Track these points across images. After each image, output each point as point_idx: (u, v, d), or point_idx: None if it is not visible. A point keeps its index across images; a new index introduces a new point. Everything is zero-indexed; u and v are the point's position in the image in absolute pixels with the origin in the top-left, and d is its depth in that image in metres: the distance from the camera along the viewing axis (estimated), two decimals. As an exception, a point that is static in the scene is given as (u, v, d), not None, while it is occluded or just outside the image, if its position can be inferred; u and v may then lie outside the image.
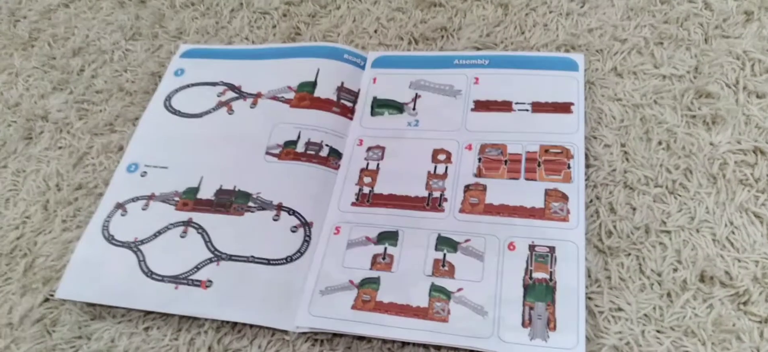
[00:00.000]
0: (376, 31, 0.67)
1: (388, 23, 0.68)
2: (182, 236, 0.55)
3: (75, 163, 0.63)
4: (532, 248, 0.49)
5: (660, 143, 0.54)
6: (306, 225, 0.54)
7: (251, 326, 0.50)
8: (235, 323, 0.50)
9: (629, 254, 0.49)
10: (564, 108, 0.56)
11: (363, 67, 0.64)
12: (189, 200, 0.57)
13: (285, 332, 0.49)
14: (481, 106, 0.58)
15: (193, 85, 0.66)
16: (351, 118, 0.61)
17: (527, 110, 0.57)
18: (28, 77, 0.71)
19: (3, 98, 0.69)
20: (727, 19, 0.61)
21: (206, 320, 0.51)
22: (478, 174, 0.54)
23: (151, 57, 0.70)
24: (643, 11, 0.63)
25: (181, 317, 0.51)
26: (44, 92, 0.69)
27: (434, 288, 0.49)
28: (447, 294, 0.48)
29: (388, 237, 0.52)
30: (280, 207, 0.55)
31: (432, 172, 0.55)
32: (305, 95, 0.62)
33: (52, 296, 0.54)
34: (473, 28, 0.65)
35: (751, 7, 0.61)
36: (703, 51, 0.59)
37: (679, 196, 0.51)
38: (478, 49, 0.64)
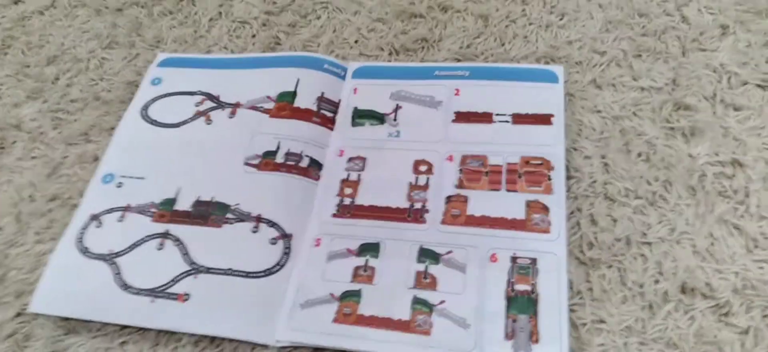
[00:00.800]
0: (356, 42, 0.67)
1: (368, 34, 0.67)
2: (159, 249, 0.54)
3: (49, 173, 0.61)
4: (513, 259, 0.49)
5: (640, 155, 0.55)
6: (285, 237, 0.53)
7: (230, 340, 0.49)
8: (213, 338, 0.49)
9: (611, 266, 0.49)
10: (544, 119, 0.57)
11: (343, 78, 0.64)
12: (166, 211, 0.56)
13: (265, 346, 0.49)
14: (462, 117, 0.58)
15: (170, 94, 0.65)
16: (331, 129, 0.61)
17: (508, 122, 0.57)
18: (1, 86, 0.69)
19: (-26, 107, 0.68)
20: (703, 32, 0.62)
21: (184, 334, 0.49)
22: (460, 185, 0.54)
23: (128, 66, 0.69)
24: (622, 24, 0.64)
25: (159, 332, 0.50)
26: (18, 101, 0.67)
27: (416, 301, 0.48)
28: (429, 307, 0.48)
29: (370, 249, 0.52)
30: (259, 219, 0.54)
31: (413, 183, 0.55)
32: (285, 105, 0.62)
33: (24, 310, 0.52)
34: (453, 40, 0.65)
35: (726, 21, 0.62)
36: (681, 64, 0.60)
37: (660, 207, 0.52)
38: (459, 60, 0.64)
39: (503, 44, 0.64)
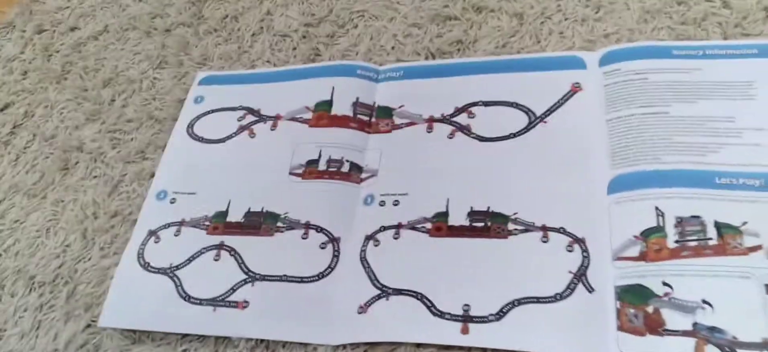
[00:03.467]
0: (393, 48, 0.68)
1: (405, 40, 0.69)
2: (216, 260, 0.57)
3: (110, 191, 0.65)
4: None
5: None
6: (334, 240, 0.56)
7: (284, 343, 0.52)
8: (270, 345, 0.52)
9: None
10: None
11: (376, 81, 0.66)
12: (219, 223, 0.59)
13: (324, 346, 0.51)
14: None
15: (213, 111, 0.68)
16: (369, 132, 0.62)
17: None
18: (63, 110, 0.73)
19: (40, 131, 0.72)
20: (746, 16, 0.60)
21: (241, 340, 0.52)
22: None
23: (178, 84, 0.72)
24: (660, 13, 0.63)
25: (217, 339, 0.53)
26: (78, 124, 0.72)
27: None
28: None
29: None
30: (308, 226, 0.57)
31: None
32: (323, 114, 0.64)
33: (93, 322, 0.56)
34: (489, 40, 0.66)
35: (770, 3, 0.61)
36: (723, 50, 0.59)
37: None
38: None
39: (539, 41, 0.64)
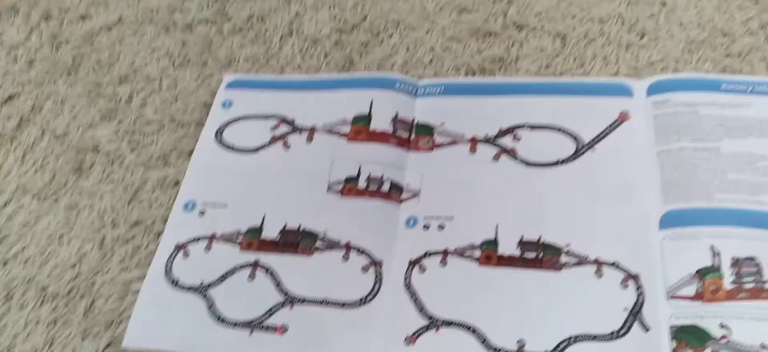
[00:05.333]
0: (431, 62, 0.66)
1: (443, 53, 0.67)
2: (250, 279, 0.54)
3: (130, 198, 0.61)
4: None
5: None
6: (376, 264, 0.54)
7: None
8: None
9: None
10: None
11: (415, 95, 0.64)
12: (253, 239, 0.56)
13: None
14: None
15: (243, 118, 0.65)
16: (408, 149, 0.60)
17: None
18: (74, 105, 0.69)
19: (50, 127, 0.68)
20: (790, 53, 0.60)
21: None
22: None
23: (202, 86, 0.68)
24: (704, 44, 0.62)
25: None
26: (92, 122, 0.67)
27: None
28: None
29: None
30: (348, 246, 0.55)
31: None
32: (361, 128, 0.62)
33: (115, 340, 0.53)
34: (531, 60, 0.64)
35: (814, 41, 0.61)
36: (770, 86, 0.59)
37: None
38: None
39: (582, 65, 0.63)
